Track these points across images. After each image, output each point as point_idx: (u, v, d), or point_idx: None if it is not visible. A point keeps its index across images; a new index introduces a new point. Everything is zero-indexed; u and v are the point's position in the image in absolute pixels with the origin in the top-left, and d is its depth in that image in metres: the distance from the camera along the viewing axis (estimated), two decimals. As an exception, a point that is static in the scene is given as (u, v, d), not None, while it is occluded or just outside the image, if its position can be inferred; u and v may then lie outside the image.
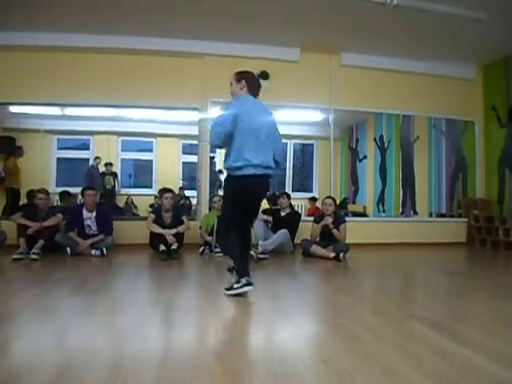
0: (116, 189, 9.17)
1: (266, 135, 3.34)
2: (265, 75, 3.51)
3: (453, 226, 7.85)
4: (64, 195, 7.41)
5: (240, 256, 3.41)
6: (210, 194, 6.91)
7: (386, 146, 8.56)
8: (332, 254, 5.37)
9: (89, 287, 3.64)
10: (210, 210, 6.49)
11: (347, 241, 5.72)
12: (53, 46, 6.41)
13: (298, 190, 9.91)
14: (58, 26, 6.14)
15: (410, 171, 8.26)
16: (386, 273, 5.00)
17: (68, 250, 5.45)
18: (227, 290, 3.34)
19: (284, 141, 3.67)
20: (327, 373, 1.81)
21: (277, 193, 6.93)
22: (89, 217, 5.69)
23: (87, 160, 9.27)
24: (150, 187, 9.66)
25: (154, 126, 9.29)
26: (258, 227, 5.99)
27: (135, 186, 9.86)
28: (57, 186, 8.74)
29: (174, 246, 5.53)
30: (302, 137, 10.03)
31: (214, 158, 7.97)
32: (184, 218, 5.96)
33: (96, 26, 6.20)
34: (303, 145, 10.54)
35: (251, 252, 5.20)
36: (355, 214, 8.49)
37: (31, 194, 6.54)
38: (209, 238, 5.91)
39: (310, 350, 2.18)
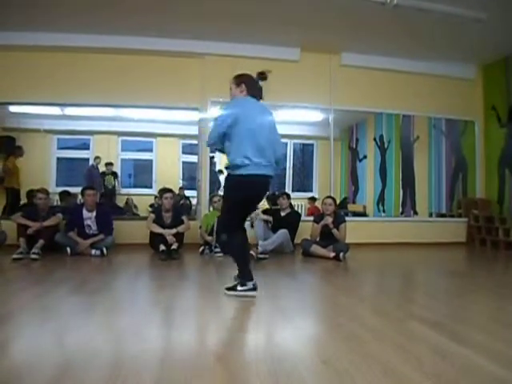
0: (116, 189, 9.18)
1: (267, 135, 3.33)
2: (263, 76, 3.50)
3: (453, 225, 7.85)
4: (64, 195, 7.41)
5: (244, 258, 3.40)
6: (209, 193, 6.92)
7: (386, 145, 8.56)
8: (332, 254, 5.37)
9: (89, 287, 3.64)
10: (209, 209, 6.49)
11: (347, 240, 5.72)
12: (53, 46, 6.41)
13: (298, 190, 9.92)
14: (58, 25, 6.14)
15: (410, 171, 8.26)
16: (386, 273, 5.00)
17: (68, 249, 5.45)
18: (228, 289, 3.33)
19: (284, 141, 3.67)
20: (327, 373, 1.81)
21: (277, 193, 6.93)
22: (89, 217, 5.69)
23: (87, 160, 9.27)
24: (150, 187, 9.66)
25: (154, 126, 9.29)
26: (258, 227, 5.99)
27: (135, 186, 9.86)
28: (57, 185, 8.74)
29: (174, 246, 5.53)
30: (302, 137, 10.03)
31: (213, 157, 7.97)
32: (184, 217, 5.96)
33: (96, 25, 6.20)
34: (303, 145, 10.54)
35: (251, 252, 5.21)
36: (355, 214, 8.50)
37: (31, 193, 6.54)
38: (209, 238, 5.91)
39: (310, 349, 2.18)
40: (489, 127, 7.83)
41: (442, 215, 8.25)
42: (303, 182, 10.45)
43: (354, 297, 3.45)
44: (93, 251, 5.48)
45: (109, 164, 9.07)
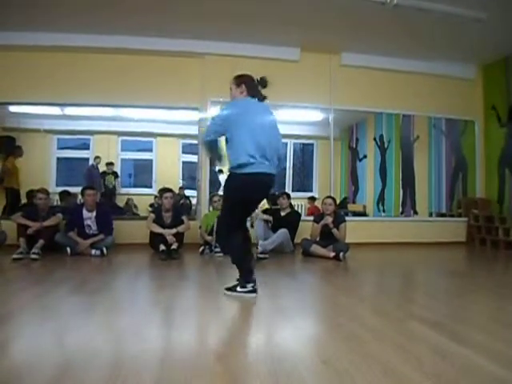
0: (116, 188, 9.18)
1: (268, 134, 3.33)
2: (263, 82, 3.48)
3: (453, 225, 7.86)
4: (64, 195, 7.41)
5: (244, 259, 3.39)
6: (209, 193, 6.92)
7: (386, 145, 8.55)
8: (332, 254, 5.37)
9: (89, 287, 3.64)
10: (209, 209, 6.49)
11: (347, 240, 5.72)
12: (53, 46, 6.41)
13: (298, 190, 9.91)
14: (58, 25, 6.14)
15: (410, 171, 8.26)
16: (386, 272, 5.00)
17: (68, 249, 5.45)
18: (228, 290, 3.33)
19: (284, 141, 3.66)
20: (327, 373, 1.81)
21: (277, 193, 6.93)
22: (89, 216, 5.69)
23: (87, 160, 9.26)
24: (150, 187, 9.66)
25: (154, 126, 9.28)
26: (258, 227, 6.00)
27: (135, 186, 9.85)
28: (57, 185, 8.74)
29: (174, 246, 5.53)
30: (302, 136, 10.02)
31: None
32: (184, 217, 5.96)
33: (96, 25, 6.20)
34: (303, 144, 10.53)
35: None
36: (355, 214, 8.49)
37: (31, 193, 6.54)
38: (209, 238, 5.91)
39: (310, 349, 2.18)
40: (489, 127, 7.83)
41: (442, 215, 8.25)
42: (303, 181, 10.45)
43: (353, 297, 3.45)
44: (93, 251, 5.48)
45: (109, 164, 9.06)
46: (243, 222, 3.54)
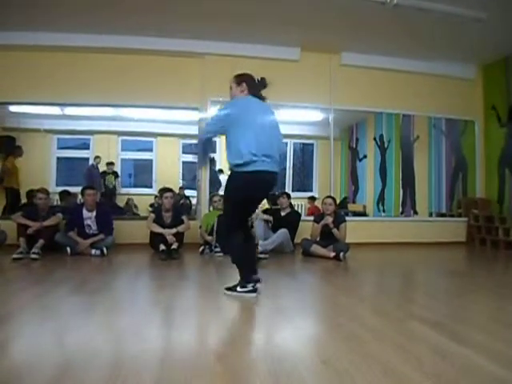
0: (117, 188, 9.18)
1: (270, 133, 3.32)
2: (264, 83, 3.48)
3: (453, 225, 7.85)
4: (64, 195, 7.41)
5: (244, 259, 3.38)
6: (209, 193, 6.91)
7: (386, 145, 8.55)
8: (332, 254, 5.37)
9: (89, 287, 3.64)
10: (209, 209, 6.49)
11: (347, 240, 5.72)
12: (53, 46, 6.41)
13: (298, 190, 9.91)
14: (58, 25, 6.14)
15: (410, 171, 8.26)
16: (386, 272, 5.00)
17: (68, 249, 5.45)
18: (228, 289, 3.33)
19: (284, 140, 3.65)
20: (327, 373, 1.81)
21: (277, 193, 6.93)
22: (89, 216, 5.69)
23: (87, 159, 9.26)
24: (150, 187, 9.66)
25: (154, 126, 9.29)
26: (258, 227, 5.99)
27: (135, 186, 9.86)
28: (57, 185, 8.74)
29: (174, 246, 5.53)
30: (302, 136, 10.02)
31: (214, 157, 7.98)
32: (184, 217, 5.96)
33: (96, 25, 6.20)
34: (303, 144, 10.53)
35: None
36: (355, 214, 8.49)
37: (31, 193, 6.54)
38: (209, 238, 5.91)
39: (310, 349, 2.18)
40: (489, 127, 7.83)
41: (442, 215, 8.25)
42: (303, 181, 10.45)
43: (354, 297, 3.45)
44: (93, 251, 5.48)
45: (110, 163, 9.07)
46: (244, 222, 3.54)
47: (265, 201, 6.30)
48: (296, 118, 8.40)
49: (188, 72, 6.93)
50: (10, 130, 8.06)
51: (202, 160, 3.61)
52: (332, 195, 6.21)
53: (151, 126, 9.28)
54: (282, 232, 5.85)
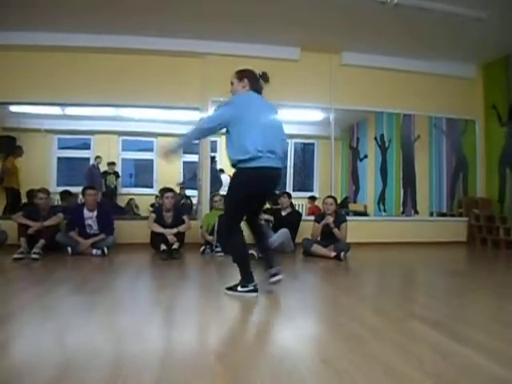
0: (118, 188, 9.21)
1: (273, 129, 3.31)
2: (265, 77, 3.48)
3: (453, 225, 7.85)
4: (65, 195, 7.43)
5: (245, 259, 3.37)
6: (210, 193, 6.91)
7: (386, 145, 8.56)
8: (333, 254, 5.37)
9: (89, 287, 3.64)
10: (210, 209, 6.49)
11: (348, 240, 5.71)
12: (52, 46, 6.41)
13: (299, 190, 9.93)
14: (58, 25, 6.13)
15: (411, 170, 8.26)
16: (387, 272, 5.00)
17: (69, 249, 5.45)
18: (229, 289, 3.33)
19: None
20: (327, 372, 1.81)
21: (277, 192, 6.93)
22: (90, 216, 5.69)
23: (88, 159, 9.29)
24: (151, 187, 9.68)
25: (155, 126, 9.30)
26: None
27: (136, 186, 9.88)
28: (57, 185, 8.77)
29: (175, 246, 5.53)
30: (303, 136, 10.04)
31: (215, 157, 7.99)
32: (185, 217, 5.96)
33: (96, 25, 6.20)
34: (304, 144, 10.55)
35: (252, 251, 5.21)
36: (356, 214, 8.50)
37: (32, 193, 6.55)
38: (210, 238, 5.91)
39: (311, 349, 2.18)
40: (489, 126, 7.82)
41: (443, 214, 8.25)
42: (304, 181, 10.47)
43: (354, 296, 3.45)
44: (94, 251, 5.48)
45: (111, 163, 9.09)
46: (256, 220, 3.55)
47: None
48: (297, 118, 8.41)
49: (188, 72, 6.92)
50: (10, 130, 8.08)
51: (184, 144, 3.60)
52: (333, 195, 6.21)
53: (152, 126, 9.30)
54: (283, 232, 5.85)
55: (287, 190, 7.90)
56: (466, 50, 7.11)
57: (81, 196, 6.27)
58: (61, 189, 7.81)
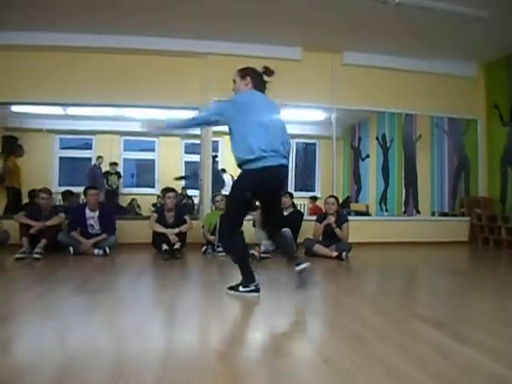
0: (119, 188, 9.22)
1: (276, 127, 3.30)
2: (268, 71, 3.46)
3: (455, 224, 7.83)
4: (67, 195, 7.43)
5: (245, 259, 3.38)
6: (212, 193, 6.91)
7: (388, 144, 8.55)
8: (334, 253, 5.37)
9: (91, 286, 3.64)
10: (212, 209, 6.49)
11: (350, 240, 5.70)
12: (52, 46, 6.40)
13: (301, 190, 9.91)
14: (58, 25, 6.12)
15: (413, 170, 8.24)
16: (389, 272, 4.99)
17: (71, 249, 5.46)
18: (231, 289, 3.33)
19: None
20: (329, 372, 1.81)
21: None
22: (91, 216, 5.70)
23: (89, 159, 9.30)
24: (153, 187, 9.68)
25: (157, 126, 9.28)
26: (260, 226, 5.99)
27: (138, 186, 9.89)
28: (59, 185, 8.79)
29: (177, 246, 5.53)
30: (305, 136, 10.03)
31: (216, 156, 7.98)
32: (186, 217, 5.96)
33: (96, 25, 6.19)
34: (306, 144, 10.54)
35: (254, 251, 5.22)
36: (358, 213, 8.49)
37: (33, 193, 6.55)
38: (211, 238, 5.91)
39: (312, 349, 2.18)
40: (491, 126, 7.81)
41: (445, 214, 8.23)
42: (306, 181, 10.46)
43: (356, 296, 3.45)
44: (95, 251, 5.48)
45: (113, 164, 9.10)
46: (270, 224, 3.56)
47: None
48: (298, 118, 8.40)
49: (189, 72, 6.92)
50: (12, 130, 8.09)
51: (173, 126, 3.61)
52: (334, 195, 6.21)
53: (153, 125, 9.27)
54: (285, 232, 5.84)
55: (289, 190, 7.89)
56: (468, 50, 7.09)
57: (82, 196, 6.27)
58: (63, 189, 7.82)
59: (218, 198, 6.17)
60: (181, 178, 9.23)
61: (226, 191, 7.14)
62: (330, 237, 5.65)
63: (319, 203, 8.27)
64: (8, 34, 6.24)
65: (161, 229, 5.71)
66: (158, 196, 8.59)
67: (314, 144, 10.30)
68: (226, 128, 3.34)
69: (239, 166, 3.29)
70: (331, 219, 5.63)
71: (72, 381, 1.70)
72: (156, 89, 6.80)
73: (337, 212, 5.74)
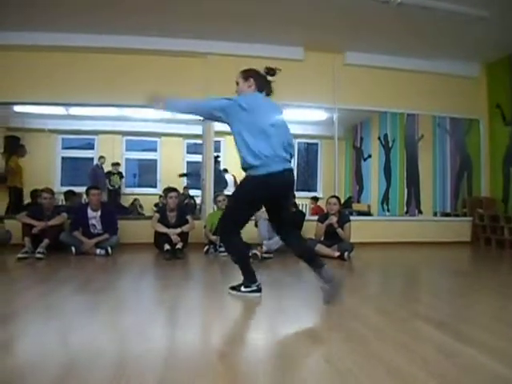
0: (121, 188, 9.23)
1: (280, 131, 3.26)
2: (271, 71, 3.43)
3: (457, 224, 7.82)
4: (69, 194, 7.45)
5: (245, 259, 3.38)
6: (214, 193, 6.92)
7: (390, 144, 8.55)
8: (336, 254, 5.37)
9: (93, 286, 3.65)
10: (214, 209, 6.50)
11: (352, 240, 5.70)
12: (52, 46, 6.40)
13: (303, 190, 9.92)
14: (57, 25, 6.12)
15: (415, 170, 8.24)
16: (390, 272, 4.98)
17: (73, 249, 5.46)
18: (233, 289, 3.33)
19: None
20: (330, 372, 1.81)
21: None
22: (94, 216, 5.70)
23: (92, 159, 9.31)
24: (155, 187, 9.69)
25: (159, 126, 9.32)
26: (262, 227, 5.97)
27: (140, 186, 9.90)
28: (61, 185, 8.81)
29: (179, 246, 5.53)
30: (307, 136, 10.03)
31: (218, 157, 7.98)
32: (189, 217, 5.96)
33: (96, 25, 6.19)
34: (307, 144, 10.55)
35: (256, 251, 5.22)
36: (360, 213, 8.49)
37: (36, 193, 6.56)
38: (213, 238, 5.91)
39: (314, 349, 2.18)
40: (493, 125, 7.79)
41: (447, 214, 8.22)
42: (307, 181, 10.46)
43: (357, 296, 3.44)
44: (97, 251, 5.49)
45: (115, 164, 9.12)
46: (281, 227, 3.49)
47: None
48: (300, 118, 8.40)
49: (190, 72, 6.90)
50: (14, 130, 8.12)
51: (171, 105, 3.62)
52: (336, 195, 6.20)
53: (155, 126, 9.32)
54: (286, 232, 5.84)
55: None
56: (470, 49, 7.08)
57: (85, 196, 6.28)
58: (65, 189, 7.83)
59: (220, 198, 6.17)
60: (185, 175, 9.25)
61: (228, 191, 7.15)
62: (331, 237, 5.65)
63: (320, 203, 8.27)
64: (8, 34, 6.24)
65: (163, 229, 5.71)
66: (160, 196, 8.59)
67: (316, 144, 10.31)
68: (227, 128, 3.32)
69: (244, 169, 3.23)
70: (333, 219, 5.62)
71: (74, 380, 1.70)
72: (156, 89, 6.76)
73: (339, 212, 5.74)
